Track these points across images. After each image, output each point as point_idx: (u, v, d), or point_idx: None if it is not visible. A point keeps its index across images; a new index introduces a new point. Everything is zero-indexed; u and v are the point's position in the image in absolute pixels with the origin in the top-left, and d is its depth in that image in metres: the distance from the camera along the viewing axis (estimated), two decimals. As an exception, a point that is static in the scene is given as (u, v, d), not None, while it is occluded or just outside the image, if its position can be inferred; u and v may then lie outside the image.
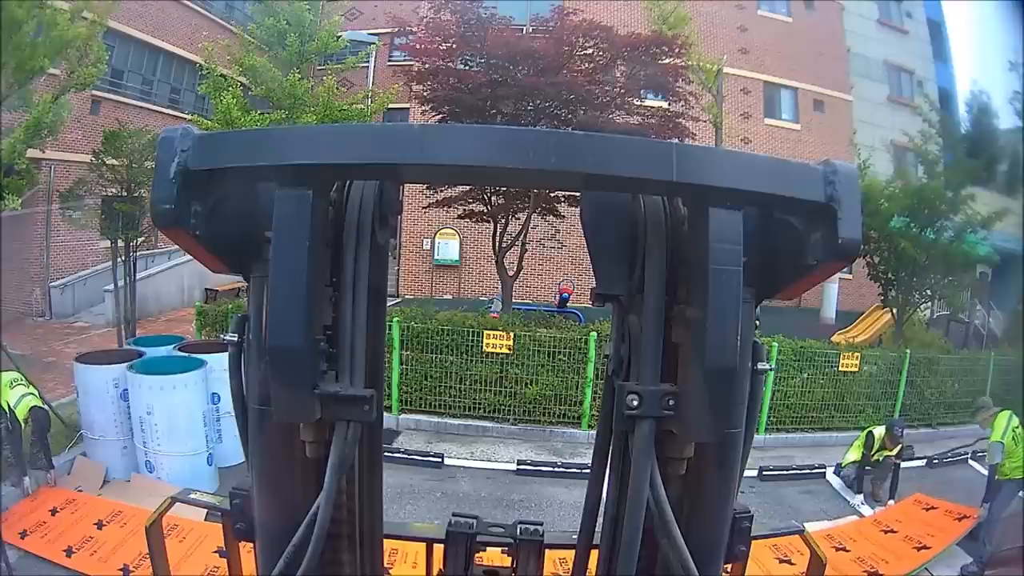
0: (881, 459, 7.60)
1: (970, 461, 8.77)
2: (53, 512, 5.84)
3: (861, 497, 7.64)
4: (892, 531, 6.45)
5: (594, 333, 8.91)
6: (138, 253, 11.01)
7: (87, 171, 10.87)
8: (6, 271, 11.52)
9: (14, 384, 6.28)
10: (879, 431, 7.65)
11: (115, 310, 11.52)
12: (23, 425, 6.06)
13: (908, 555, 6.10)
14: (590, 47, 11.57)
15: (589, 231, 1.22)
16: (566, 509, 6.78)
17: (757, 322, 1.31)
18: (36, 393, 6.51)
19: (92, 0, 9.81)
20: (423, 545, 2.05)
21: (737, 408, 1.23)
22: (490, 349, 8.99)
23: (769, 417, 9.29)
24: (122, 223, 10.33)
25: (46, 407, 6.55)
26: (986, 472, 6.62)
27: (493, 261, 12.03)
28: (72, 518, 5.79)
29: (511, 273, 11.80)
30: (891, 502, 7.49)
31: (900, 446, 7.60)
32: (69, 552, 5.29)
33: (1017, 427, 6.39)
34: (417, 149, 1.00)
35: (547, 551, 1.84)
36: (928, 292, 12.45)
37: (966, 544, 6.38)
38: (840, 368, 9.70)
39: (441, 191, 12.03)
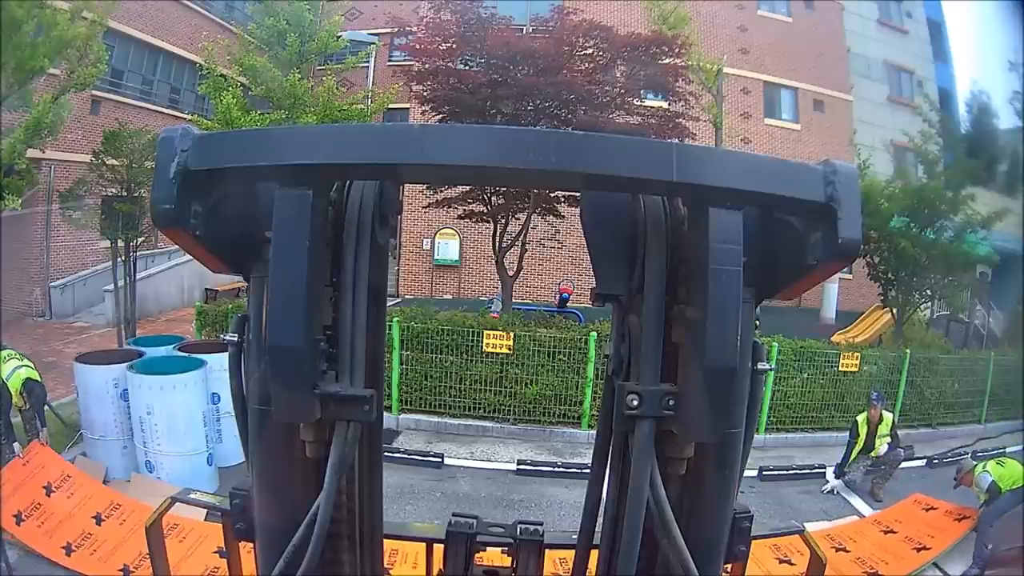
0: (885, 446, 7.70)
1: (971, 460, 8.76)
2: (48, 491, 5.74)
3: (840, 483, 7.85)
4: (892, 531, 6.45)
5: (594, 333, 8.91)
6: (138, 253, 11.01)
7: (87, 171, 10.88)
8: (6, 271, 11.53)
9: (8, 358, 6.35)
10: (861, 417, 7.86)
11: (115, 310, 11.53)
12: (13, 396, 6.11)
13: (908, 556, 6.10)
14: (590, 47, 11.57)
15: (589, 231, 1.22)
16: (566, 509, 6.78)
17: (757, 322, 1.31)
18: (31, 365, 6.56)
19: (92, 0, 9.81)
20: (423, 545, 2.05)
21: (737, 408, 1.23)
22: (490, 349, 8.99)
23: (769, 417, 9.29)
24: (122, 223, 10.34)
25: (41, 379, 6.57)
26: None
27: (493, 261, 12.03)
28: (69, 504, 5.72)
29: (511, 273, 11.80)
30: (901, 450, 7.82)
31: (889, 420, 7.85)
32: (69, 550, 5.28)
33: (998, 458, 6.66)
34: (417, 149, 1.00)
35: (547, 551, 1.84)
36: (928, 292, 12.45)
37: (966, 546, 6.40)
38: (840, 368, 9.70)
39: (441, 191, 12.03)
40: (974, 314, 14.79)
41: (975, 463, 6.70)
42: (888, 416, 7.92)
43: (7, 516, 5.34)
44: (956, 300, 13.51)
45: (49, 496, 5.73)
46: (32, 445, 6.13)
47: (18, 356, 6.60)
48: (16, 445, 6.08)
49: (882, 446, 7.76)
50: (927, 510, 6.76)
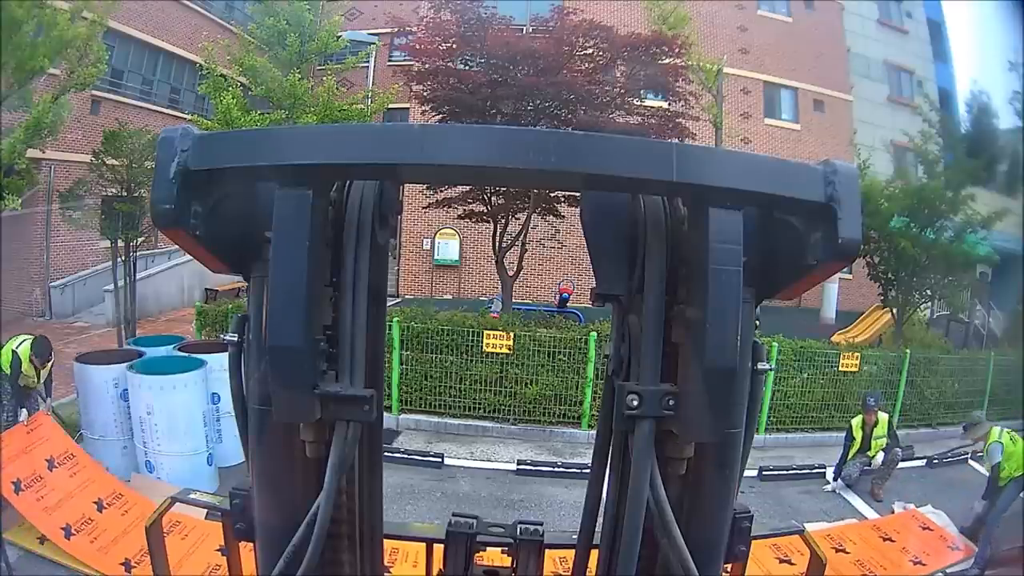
0: (881, 452, 7.68)
1: (970, 461, 8.77)
2: (50, 466, 5.71)
3: (840, 482, 7.83)
4: (890, 539, 6.45)
5: (594, 333, 8.91)
6: (138, 253, 11.01)
7: (87, 171, 10.88)
8: (6, 271, 11.52)
9: (16, 336, 6.66)
10: (855, 421, 7.87)
11: (115, 310, 11.52)
12: (24, 364, 6.31)
13: (905, 566, 6.09)
14: (590, 47, 11.57)
15: (589, 231, 1.22)
16: (566, 509, 6.78)
17: (757, 322, 1.31)
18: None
19: (92, 0, 9.82)
20: (423, 545, 2.05)
21: (737, 408, 1.23)
22: (490, 349, 8.99)
23: (769, 417, 9.29)
24: (122, 223, 10.34)
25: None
26: (987, 473, 6.63)
27: (493, 261, 12.03)
28: (70, 483, 5.70)
29: (511, 273, 11.80)
30: (899, 449, 7.83)
31: (885, 421, 7.84)
32: (68, 533, 5.25)
33: (1012, 431, 6.52)
34: (417, 149, 1.00)
35: (547, 551, 1.84)
36: (928, 292, 12.45)
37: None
38: (840, 368, 9.70)
39: (441, 191, 12.03)
40: (974, 314, 14.77)
41: (991, 424, 6.63)
42: (883, 417, 7.92)
43: (6, 484, 5.30)
44: (956, 300, 13.50)
45: (51, 471, 5.70)
46: (38, 415, 6.18)
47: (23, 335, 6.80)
48: (23, 411, 6.15)
49: (878, 450, 7.77)
50: (923, 528, 6.76)
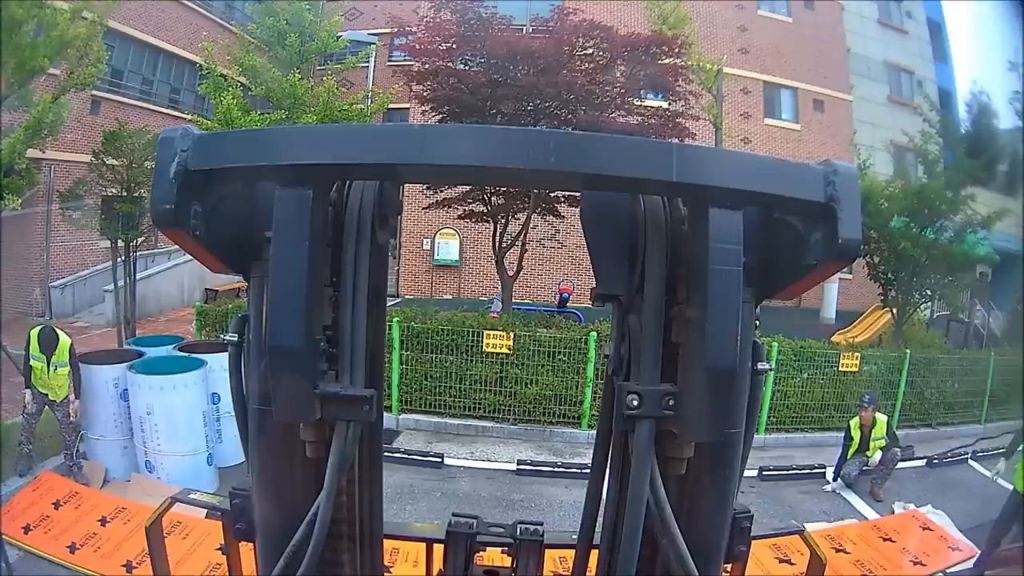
0: (879, 452, 7.67)
1: (970, 461, 8.77)
2: (56, 506, 5.85)
3: (840, 482, 7.84)
4: (891, 540, 6.44)
5: (594, 333, 8.91)
6: (138, 253, 11.02)
7: (87, 171, 10.88)
8: (6, 271, 11.52)
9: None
10: (853, 421, 7.89)
11: (115, 310, 11.53)
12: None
13: (905, 567, 6.09)
14: (590, 47, 11.58)
15: (589, 231, 1.22)
16: (566, 509, 6.79)
17: (757, 322, 1.31)
18: None
19: (92, 0, 9.82)
20: (423, 545, 2.05)
21: (737, 408, 1.22)
22: (490, 349, 8.99)
23: (769, 417, 9.29)
24: (122, 223, 10.35)
25: None
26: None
27: (493, 261, 12.03)
28: (75, 513, 5.81)
29: (511, 273, 11.80)
30: (898, 449, 7.82)
31: (883, 422, 7.84)
32: (73, 548, 5.32)
33: None
34: (417, 149, 0.99)
35: (547, 551, 1.84)
36: (928, 292, 12.46)
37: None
38: (840, 368, 9.71)
39: (441, 191, 12.03)
40: (974, 314, 14.77)
41: None
42: (882, 419, 7.91)
43: (16, 529, 5.40)
44: (956, 300, 13.51)
45: (57, 510, 5.84)
46: (42, 474, 6.31)
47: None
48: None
49: (876, 450, 7.76)
50: (924, 528, 6.74)
